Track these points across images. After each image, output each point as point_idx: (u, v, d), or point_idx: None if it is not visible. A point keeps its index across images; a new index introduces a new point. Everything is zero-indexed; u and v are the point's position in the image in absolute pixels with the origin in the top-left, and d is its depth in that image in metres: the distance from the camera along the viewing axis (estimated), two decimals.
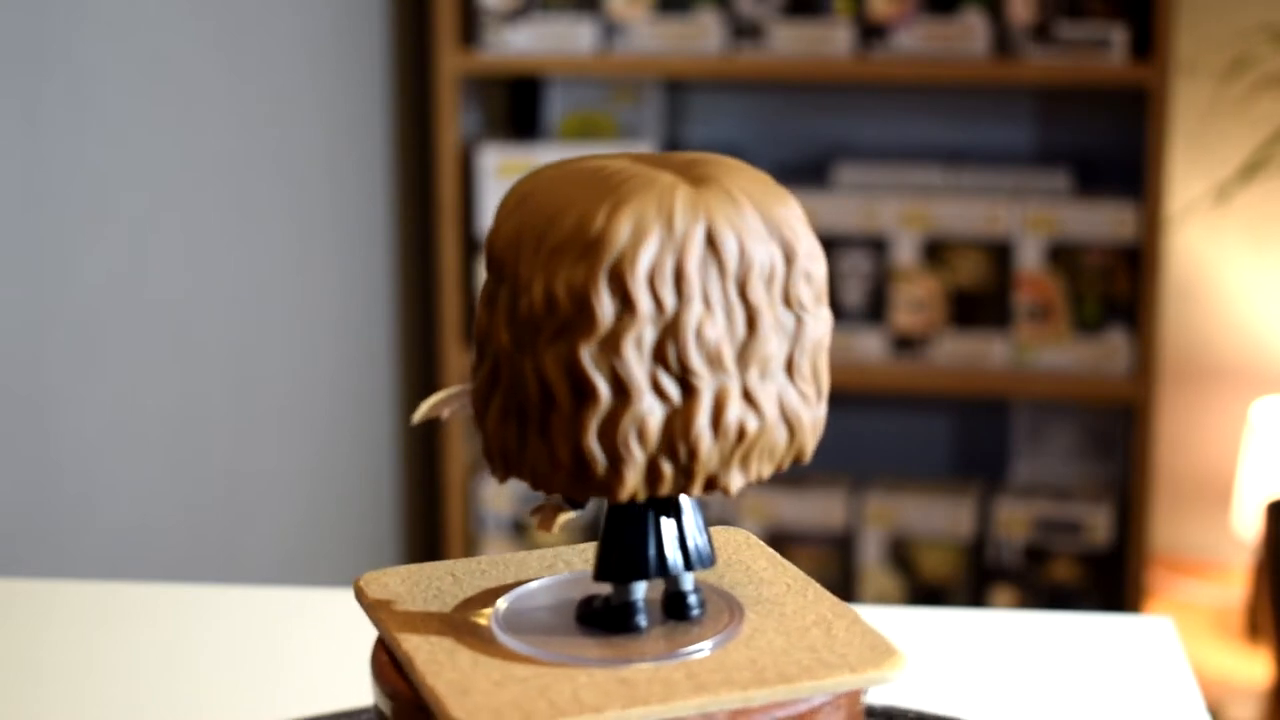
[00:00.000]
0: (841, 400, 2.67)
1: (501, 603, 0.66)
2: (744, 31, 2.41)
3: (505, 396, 0.62)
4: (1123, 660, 0.92)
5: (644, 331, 0.60)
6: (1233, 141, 2.63)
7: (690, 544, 0.65)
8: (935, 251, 2.41)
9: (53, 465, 1.66)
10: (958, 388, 2.41)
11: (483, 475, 2.55)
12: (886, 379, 2.42)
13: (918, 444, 2.65)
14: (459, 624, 0.64)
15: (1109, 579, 2.44)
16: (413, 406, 2.52)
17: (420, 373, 2.55)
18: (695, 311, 0.60)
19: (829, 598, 0.65)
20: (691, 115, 2.64)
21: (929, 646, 0.94)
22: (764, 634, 0.63)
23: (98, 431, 1.73)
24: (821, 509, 2.49)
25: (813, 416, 0.63)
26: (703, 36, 2.41)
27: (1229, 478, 2.72)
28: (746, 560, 0.69)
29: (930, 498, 2.47)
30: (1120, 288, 2.38)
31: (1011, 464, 2.57)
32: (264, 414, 2.07)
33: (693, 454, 0.61)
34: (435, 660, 0.62)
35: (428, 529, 2.61)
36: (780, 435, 0.63)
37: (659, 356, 0.60)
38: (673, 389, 0.61)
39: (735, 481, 0.63)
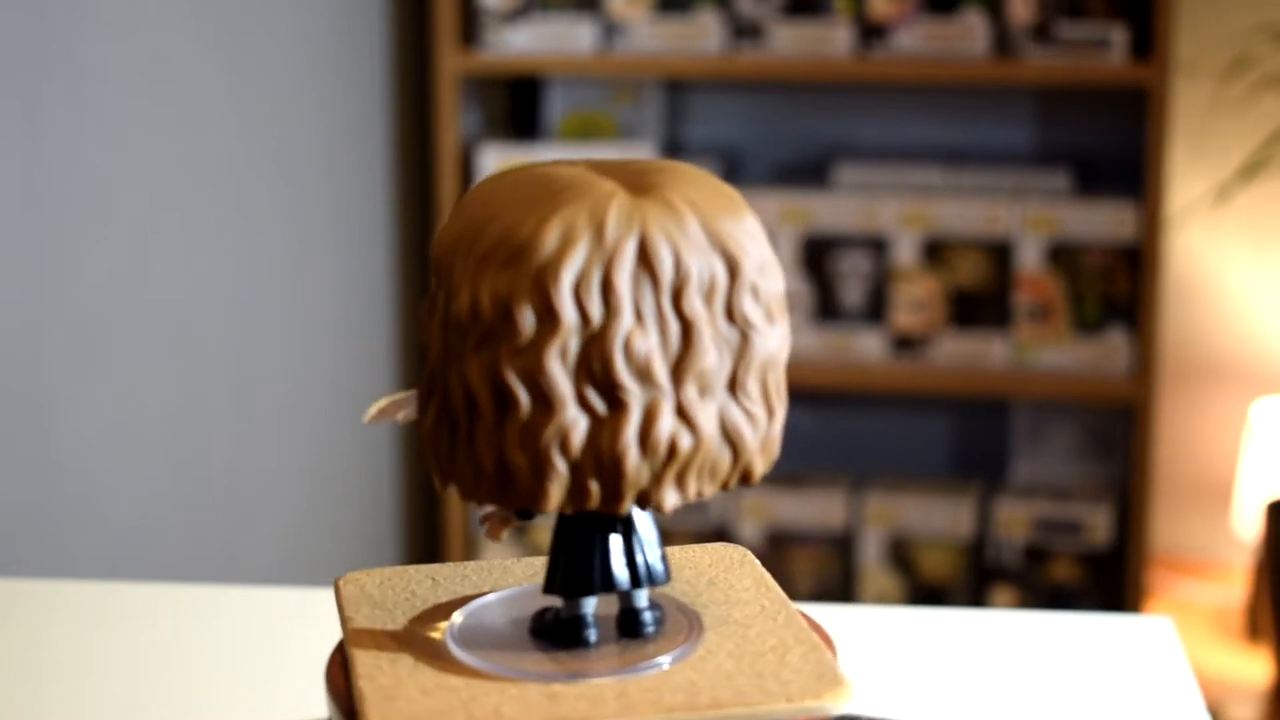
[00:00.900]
0: (841, 400, 2.67)
1: (459, 614, 0.65)
2: (744, 31, 2.41)
3: (439, 403, 0.61)
4: (1123, 660, 0.92)
5: (568, 342, 0.59)
6: (1233, 141, 2.63)
7: (640, 561, 0.63)
8: (935, 251, 2.41)
9: (53, 465, 1.66)
10: (958, 388, 2.41)
11: None
12: (886, 379, 2.42)
13: (918, 444, 2.65)
14: (414, 631, 0.64)
15: (1109, 579, 2.44)
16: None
17: (420, 373, 2.55)
18: (624, 324, 0.59)
19: (799, 623, 0.64)
20: (691, 115, 2.64)
21: (929, 646, 0.94)
22: (716, 656, 0.62)
23: (98, 431, 1.73)
24: (821, 509, 2.49)
25: (761, 436, 0.62)
26: (703, 36, 2.41)
27: (1229, 478, 2.72)
28: (732, 579, 0.68)
29: (930, 498, 2.47)
30: (1120, 288, 2.38)
31: (1011, 464, 2.57)
32: (264, 414, 2.07)
33: (618, 469, 0.60)
34: (376, 665, 0.61)
35: (428, 529, 2.62)
36: (722, 454, 0.61)
37: (585, 368, 0.59)
38: (599, 402, 0.59)
39: (669, 499, 0.61)
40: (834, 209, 2.43)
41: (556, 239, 0.59)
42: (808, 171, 2.60)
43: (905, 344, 2.43)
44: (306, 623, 0.97)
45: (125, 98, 1.75)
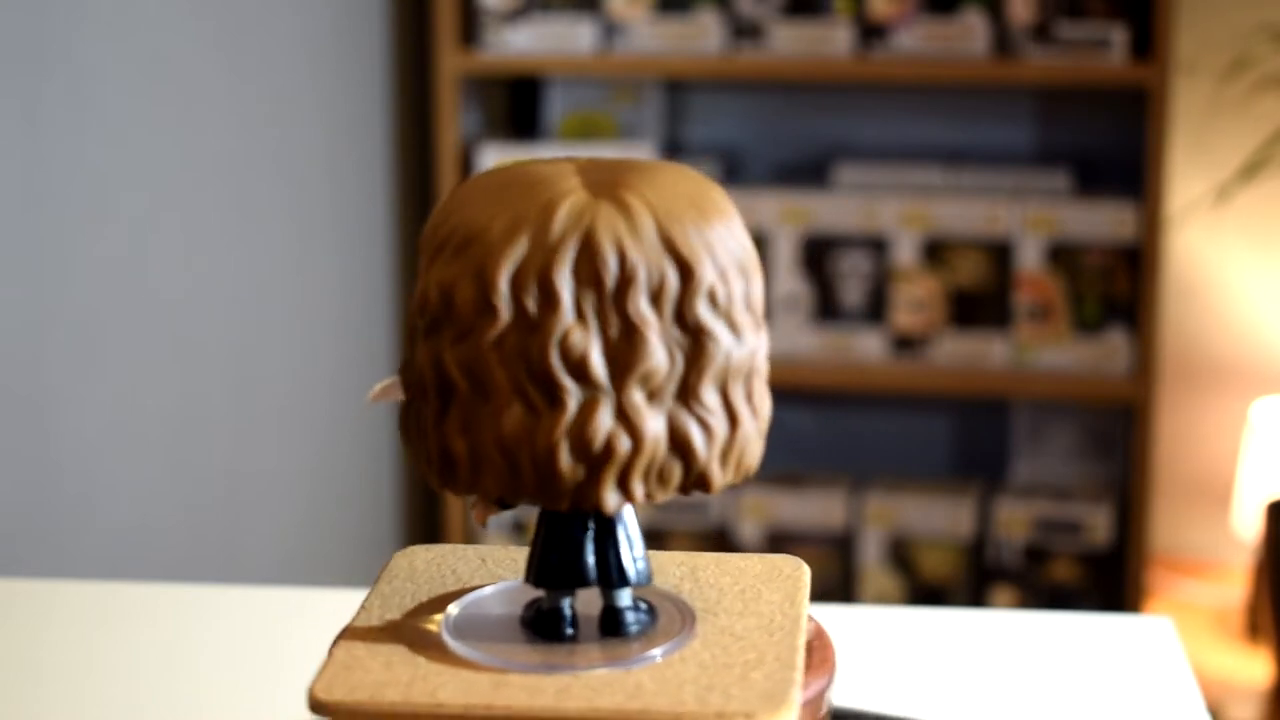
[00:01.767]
0: (841, 400, 2.67)
1: (454, 606, 0.66)
2: (744, 31, 2.41)
3: (410, 389, 0.63)
4: (1123, 660, 0.92)
5: (506, 334, 0.60)
6: (1233, 141, 2.63)
7: (613, 559, 0.63)
8: (935, 251, 2.41)
9: (53, 465, 1.66)
10: (958, 388, 2.41)
11: None
12: (886, 379, 2.42)
13: (918, 444, 2.65)
14: (414, 618, 0.65)
15: (1109, 579, 2.44)
16: None
17: None
18: (562, 320, 0.59)
19: (792, 641, 0.63)
20: (691, 115, 2.64)
21: (929, 646, 0.94)
22: (685, 664, 0.61)
23: (98, 431, 1.73)
24: (821, 509, 2.49)
25: (721, 445, 0.61)
26: (703, 36, 2.41)
27: (1229, 478, 2.72)
28: (765, 591, 0.67)
29: (930, 498, 2.47)
30: (1120, 288, 2.38)
31: (1011, 464, 2.57)
32: (264, 414, 2.08)
33: (551, 464, 0.60)
34: (361, 641, 0.63)
35: (428, 529, 2.62)
36: (671, 460, 0.61)
37: (523, 362, 0.60)
38: (536, 396, 0.60)
39: (610, 500, 0.61)
40: (834, 209, 2.43)
41: (500, 232, 0.60)
42: (808, 171, 2.60)
43: (905, 344, 2.43)
44: (306, 623, 0.97)
45: (125, 98, 1.75)
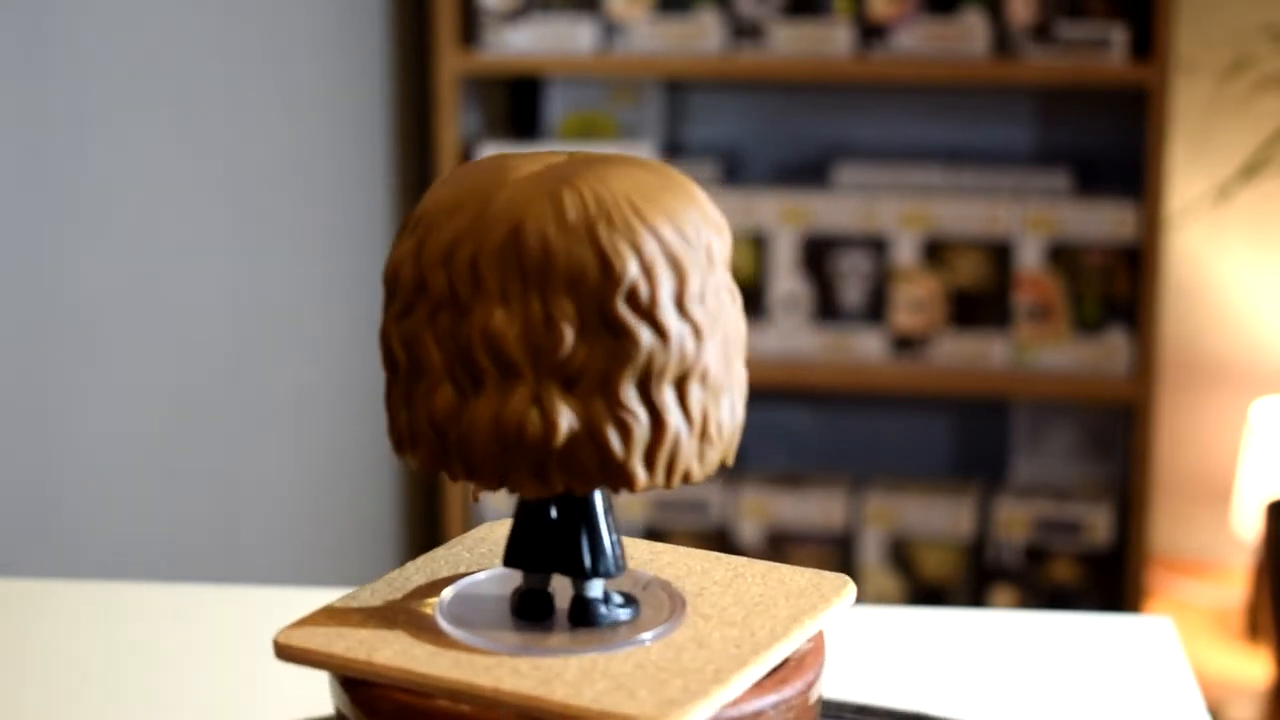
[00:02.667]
0: (841, 400, 2.67)
1: (449, 590, 0.67)
2: (744, 31, 2.41)
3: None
4: (1123, 660, 0.92)
5: (439, 314, 0.61)
6: (1233, 141, 2.63)
7: (580, 549, 0.64)
8: (935, 251, 2.41)
9: (53, 465, 1.66)
10: (958, 388, 2.41)
11: None
12: (886, 379, 2.42)
13: (918, 444, 2.65)
14: (407, 602, 0.66)
15: (1109, 579, 2.44)
16: None
17: None
18: (488, 305, 0.60)
19: (742, 659, 0.62)
20: (691, 115, 2.64)
21: (929, 646, 0.94)
22: (624, 662, 0.61)
23: (98, 431, 1.73)
24: (821, 509, 2.49)
25: (643, 444, 0.61)
26: (703, 36, 2.41)
27: (1229, 478, 2.72)
28: (782, 604, 0.66)
29: (930, 498, 2.47)
30: (1120, 288, 2.38)
31: (1011, 464, 2.57)
32: (264, 414, 2.07)
33: (471, 446, 0.61)
34: (353, 603, 0.65)
35: (428, 529, 2.61)
36: (586, 453, 0.61)
37: (453, 342, 0.61)
38: (463, 377, 0.61)
39: (528, 487, 0.61)
40: (834, 209, 2.43)
41: (442, 214, 0.61)
42: (808, 171, 2.60)
43: (905, 344, 2.43)
44: None
45: (125, 98, 1.75)
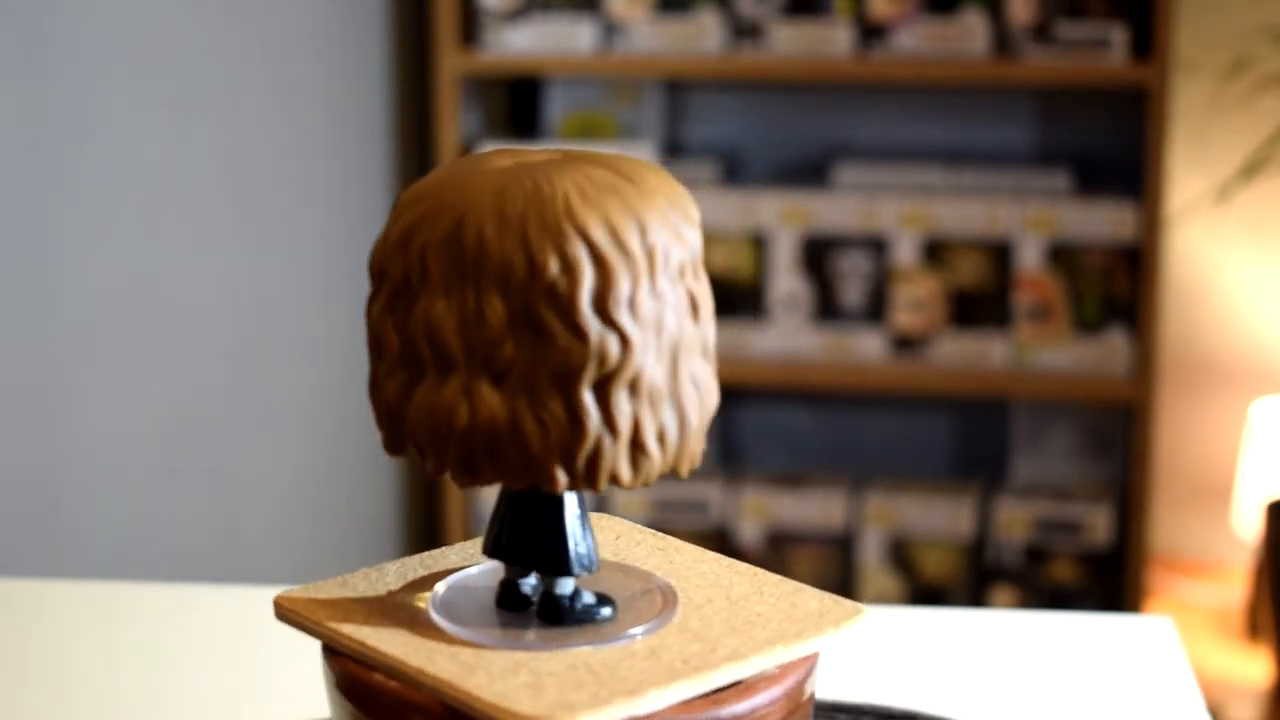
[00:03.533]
0: (841, 400, 2.67)
1: (442, 584, 0.68)
2: (744, 31, 2.41)
3: None
4: (1123, 660, 0.92)
5: (397, 301, 0.63)
6: (1233, 141, 2.63)
7: (547, 545, 0.64)
8: (935, 251, 2.41)
9: (53, 465, 1.66)
10: (958, 388, 2.41)
11: None
12: (886, 379, 2.42)
13: (918, 444, 2.65)
14: (401, 594, 0.67)
15: (1109, 579, 2.44)
16: None
17: None
18: (430, 294, 0.62)
19: (696, 676, 0.62)
20: (691, 115, 2.64)
21: (929, 646, 0.94)
22: (559, 660, 0.62)
23: (98, 431, 1.73)
24: (821, 509, 2.49)
25: (558, 444, 0.62)
26: (703, 36, 2.41)
27: (1229, 478, 2.72)
28: (776, 626, 0.65)
29: (930, 498, 2.47)
30: (1120, 288, 2.38)
31: (1011, 464, 2.57)
32: (264, 414, 2.08)
33: (415, 431, 0.63)
34: (361, 580, 0.68)
35: (428, 529, 2.62)
36: (508, 446, 0.62)
37: (405, 330, 0.63)
38: (412, 365, 0.63)
39: (460, 477, 0.63)
40: (834, 209, 2.43)
41: (406, 204, 0.63)
42: (808, 171, 2.60)
43: (905, 344, 2.43)
44: None
45: (125, 98, 1.75)
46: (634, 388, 0.62)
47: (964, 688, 0.89)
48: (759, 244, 2.45)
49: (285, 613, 0.66)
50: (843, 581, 2.50)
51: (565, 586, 0.65)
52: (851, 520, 2.49)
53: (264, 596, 1.00)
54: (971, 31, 2.36)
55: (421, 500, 2.58)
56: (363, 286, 2.35)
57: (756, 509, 2.50)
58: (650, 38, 2.42)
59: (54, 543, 1.67)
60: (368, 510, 2.40)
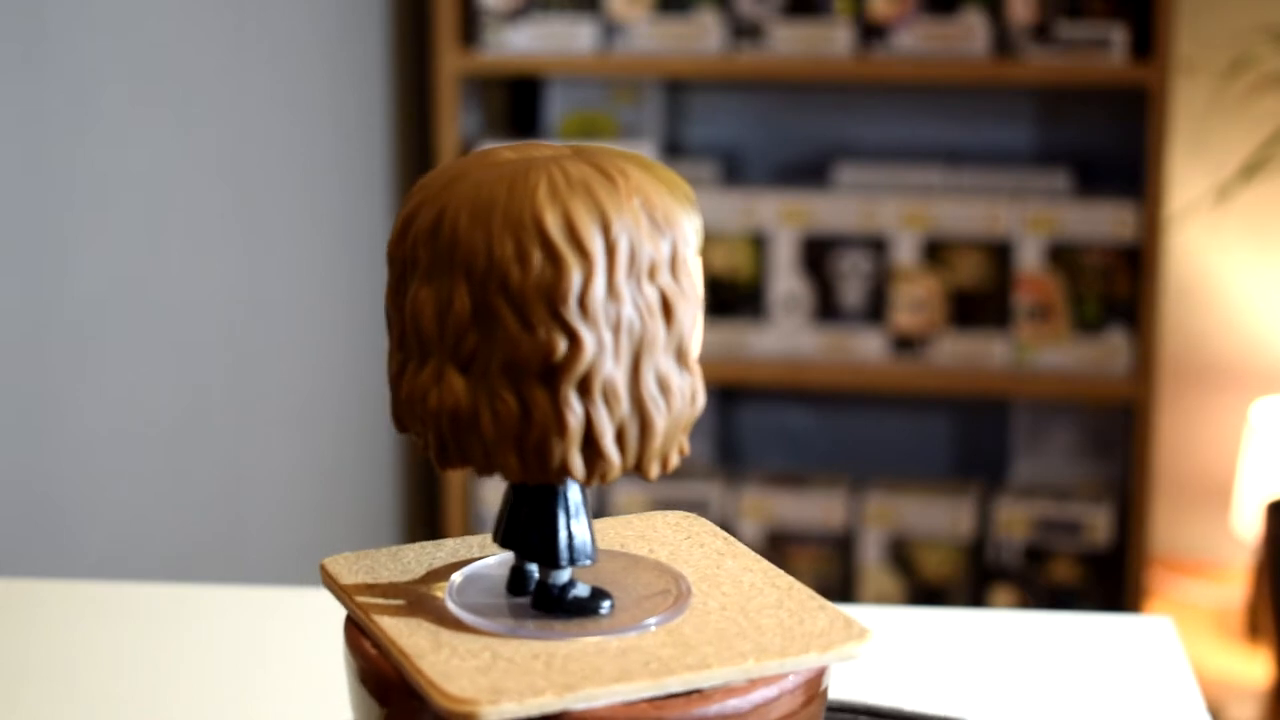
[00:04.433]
0: (841, 400, 2.67)
1: (458, 575, 0.69)
2: (744, 31, 2.41)
3: None
4: (1123, 660, 0.92)
5: (400, 285, 0.65)
6: (1233, 141, 2.63)
7: (538, 536, 0.65)
8: (935, 251, 2.41)
9: (53, 465, 1.66)
10: (958, 388, 2.41)
11: None
12: (886, 379, 2.41)
13: (918, 444, 2.65)
14: (419, 587, 0.68)
15: (1109, 579, 2.44)
16: None
17: None
18: (419, 283, 0.63)
19: (644, 682, 0.62)
20: (691, 115, 2.64)
21: (929, 646, 0.94)
22: (538, 655, 0.63)
23: (98, 431, 1.73)
24: (821, 509, 2.49)
25: (509, 432, 0.63)
26: (703, 36, 2.41)
27: (1229, 478, 2.72)
28: (774, 635, 0.65)
29: (930, 498, 2.47)
30: (1120, 288, 2.38)
31: (1011, 464, 2.57)
32: (264, 414, 2.08)
33: (399, 415, 0.65)
34: (395, 561, 0.70)
35: (428, 529, 2.62)
36: (466, 431, 0.63)
37: (401, 315, 0.65)
38: (403, 348, 0.65)
39: (435, 458, 0.64)
40: (834, 209, 2.43)
41: (416, 192, 0.65)
42: (808, 171, 2.60)
43: (905, 344, 2.43)
44: (306, 623, 0.97)
45: (125, 97, 1.75)
46: (585, 385, 0.62)
47: (964, 688, 0.89)
48: (759, 244, 2.45)
49: (325, 578, 0.69)
50: (843, 581, 2.50)
51: (559, 577, 0.65)
52: (851, 520, 2.49)
53: (263, 596, 1.00)
54: (971, 31, 2.36)
55: (423, 497, 2.58)
56: (363, 285, 2.35)
57: (756, 509, 2.50)
58: (650, 38, 2.42)
59: (54, 543, 1.67)
60: (368, 510, 2.40)
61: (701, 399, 0.65)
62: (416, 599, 0.67)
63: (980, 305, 2.41)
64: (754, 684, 0.63)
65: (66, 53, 1.64)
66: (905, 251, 2.41)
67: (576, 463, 0.63)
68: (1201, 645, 2.52)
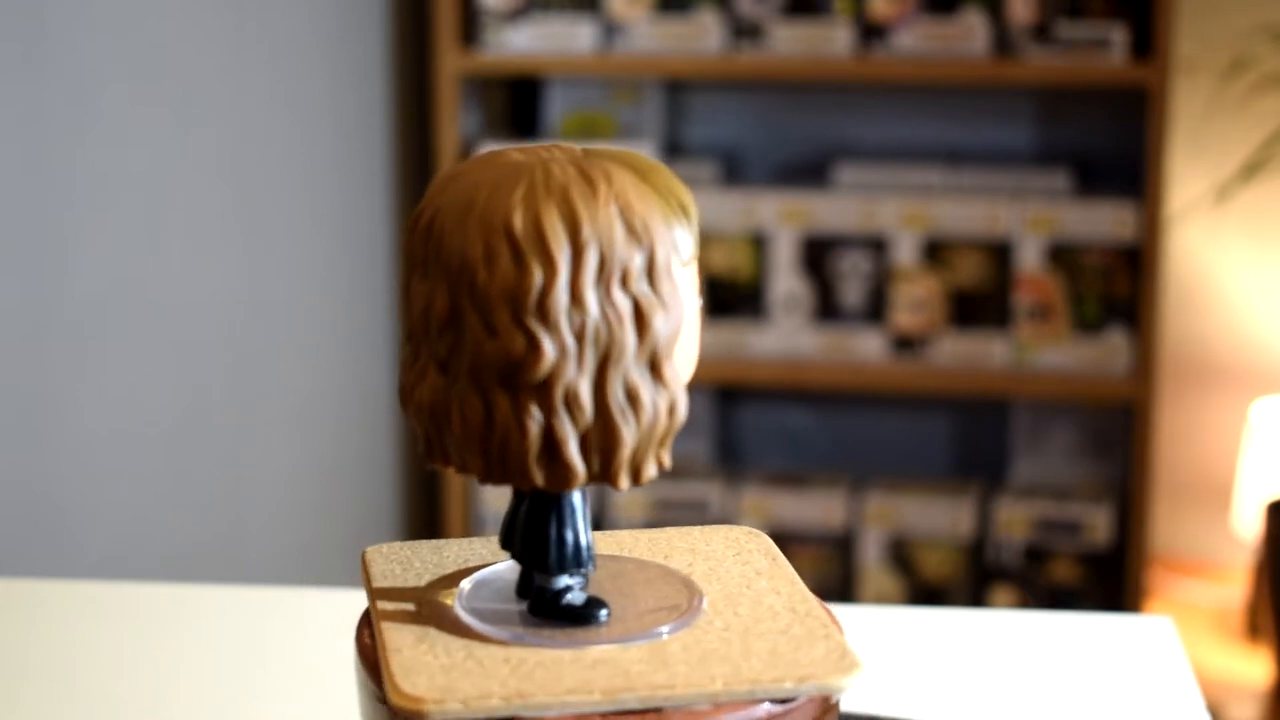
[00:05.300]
0: (841, 400, 2.67)
1: (467, 581, 0.69)
2: (744, 31, 2.41)
3: None
4: (1123, 660, 0.92)
5: (407, 282, 0.66)
6: (1233, 141, 2.63)
7: (529, 540, 0.65)
8: (935, 251, 2.41)
9: (53, 465, 1.66)
10: (958, 388, 2.41)
11: None
12: (886, 379, 2.41)
13: (918, 444, 2.65)
14: (430, 593, 0.69)
15: (1109, 579, 2.44)
16: None
17: None
18: (417, 280, 0.64)
19: (602, 698, 0.62)
20: (691, 115, 2.64)
21: (929, 646, 0.94)
22: (508, 660, 0.63)
23: (98, 431, 1.73)
24: (821, 509, 2.49)
25: (474, 434, 0.63)
26: (703, 36, 2.41)
27: (1229, 478, 2.72)
28: (762, 658, 0.64)
29: (930, 498, 2.47)
30: (1120, 288, 2.38)
31: (1011, 464, 2.57)
32: (264, 414, 2.08)
33: (399, 390, 0.66)
34: (404, 564, 0.71)
35: (428, 529, 2.62)
36: (440, 428, 0.64)
37: (406, 308, 0.66)
38: (407, 340, 0.66)
39: (421, 451, 0.65)
40: (834, 209, 2.43)
41: (425, 193, 0.66)
42: (808, 171, 2.60)
43: (905, 344, 2.43)
44: (306, 623, 0.97)
45: (125, 98, 1.75)
46: (546, 391, 0.62)
47: (964, 688, 0.89)
48: (759, 244, 2.45)
49: (362, 565, 0.70)
50: (843, 582, 2.50)
51: (552, 583, 0.65)
52: (851, 520, 2.49)
53: (263, 596, 1.00)
54: (971, 31, 2.36)
55: (423, 497, 2.58)
56: (363, 285, 2.35)
57: (756, 509, 2.50)
58: (650, 38, 2.42)
59: (54, 543, 1.67)
60: (368, 510, 2.40)
61: (682, 412, 0.64)
62: (429, 594, 0.67)
63: (980, 305, 2.41)
64: (720, 709, 0.61)
65: (66, 53, 1.64)
66: (905, 251, 2.41)
67: (538, 469, 0.63)
68: (1201, 645, 2.52)
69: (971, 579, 2.47)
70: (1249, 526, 2.57)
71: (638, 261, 0.62)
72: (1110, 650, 0.93)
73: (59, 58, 1.63)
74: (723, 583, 0.69)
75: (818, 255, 2.44)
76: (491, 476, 0.63)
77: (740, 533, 0.73)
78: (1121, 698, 0.88)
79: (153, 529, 1.83)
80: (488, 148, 2.45)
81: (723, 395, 2.65)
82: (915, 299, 2.42)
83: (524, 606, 0.66)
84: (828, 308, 2.44)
